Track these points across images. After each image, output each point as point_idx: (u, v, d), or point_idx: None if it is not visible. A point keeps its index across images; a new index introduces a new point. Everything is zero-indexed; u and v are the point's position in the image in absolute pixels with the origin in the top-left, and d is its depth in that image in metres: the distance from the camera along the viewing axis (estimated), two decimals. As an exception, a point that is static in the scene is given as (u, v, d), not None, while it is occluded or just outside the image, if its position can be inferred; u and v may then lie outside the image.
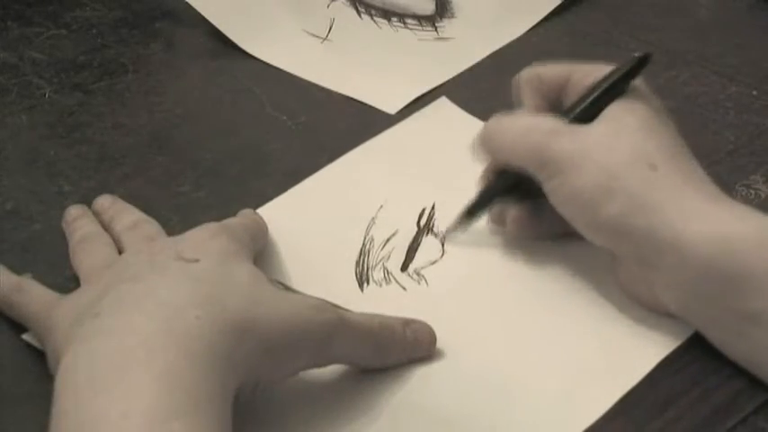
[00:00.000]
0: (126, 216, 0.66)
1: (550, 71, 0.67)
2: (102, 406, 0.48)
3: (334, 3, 0.90)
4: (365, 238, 0.68)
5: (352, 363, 0.58)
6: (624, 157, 0.61)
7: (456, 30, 0.88)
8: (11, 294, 0.62)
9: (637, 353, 0.60)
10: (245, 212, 0.67)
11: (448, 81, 0.81)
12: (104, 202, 0.69)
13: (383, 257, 0.67)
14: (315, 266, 0.66)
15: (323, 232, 0.69)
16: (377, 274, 0.66)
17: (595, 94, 0.64)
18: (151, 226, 0.65)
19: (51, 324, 0.57)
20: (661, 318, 0.61)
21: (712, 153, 0.74)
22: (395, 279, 0.66)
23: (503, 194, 0.67)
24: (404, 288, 0.65)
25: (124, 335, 0.51)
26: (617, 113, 0.63)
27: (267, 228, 0.67)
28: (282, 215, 0.69)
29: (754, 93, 0.80)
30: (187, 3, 0.86)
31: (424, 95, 0.80)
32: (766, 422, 0.57)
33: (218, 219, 0.68)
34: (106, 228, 0.66)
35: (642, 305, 0.62)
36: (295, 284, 0.64)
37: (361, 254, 0.67)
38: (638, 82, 0.65)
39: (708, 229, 0.58)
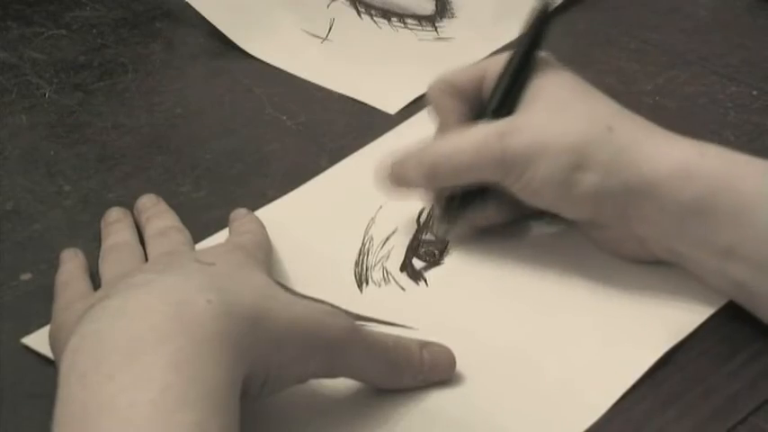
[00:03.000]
0: (159, 221, 0.66)
1: (463, 75, 0.67)
2: (110, 394, 0.47)
3: (334, 3, 0.90)
4: (365, 238, 0.68)
5: (364, 378, 0.57)
6: (581, 129, 0.61)
7: (456, 30, 0.88)
8: (59, 288, 0.62)
9: (638, 350, 0.60)
10: (240, 212, 0.67)
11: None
12: (147, 201, 0.68)
13: (382, 257, 0.67)
14: (314, 267, 0.66)
15: (323, 233, 0.69)
16: (376, 275, 0.66)
17: (511, 70, 0.64)
18: (180, 235, 0.65)
19: (61, 325, 0.57)
20: (662, 315, 0.62)
21: (712, 153, 0.74)
22: (394, 279, 0.66)
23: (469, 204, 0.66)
24: (403, 288, 0.65)
25: (134, 317, 0.50)
26: (549, 91, 0.64)
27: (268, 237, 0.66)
28: (283, 216, 0.69)
29: (754, 93, 0.80)
30: (187, 3, 0.86)
31: (423, 95, 0.80)
32: (766, 422, 0.57)
33: (219, 219, 0.68)
34: (142, 228, 0.66)
35: (632, 260, 0.64)
36: (295, 285, 0.64)
37: (360, 254, 0.67)
38: (544, 55, 0.65)
39: (675, 166, 0.60)
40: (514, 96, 0.64)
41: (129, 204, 0.70)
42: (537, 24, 0.65)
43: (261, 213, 0.69)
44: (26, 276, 0.65)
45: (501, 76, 0.65)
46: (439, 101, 0.67)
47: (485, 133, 0.63)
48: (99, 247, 0.66)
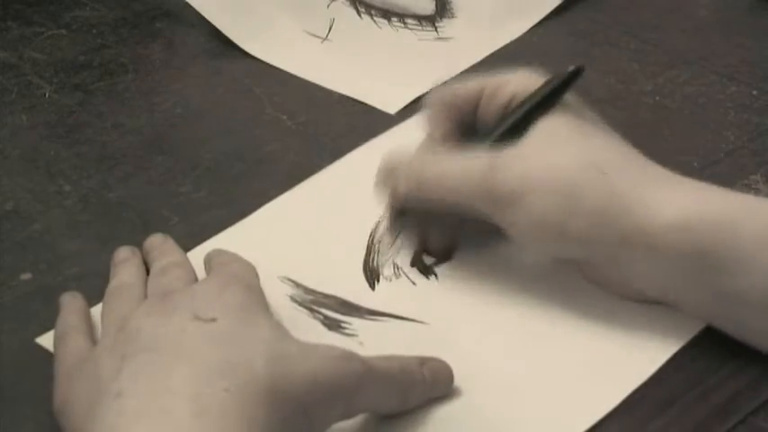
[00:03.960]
0: (162, 259, 0.63)
1: (465, 90, 0.65)
2: None
3: (334, 3, 0.90)
4: (375, 235, 0.68)
5: (376, 411, 0.57)
6: (571, 172, 0.59)
7: (456, 30, 0.88)
8: (57, 343, 0.59)
9: (641, 354, 0.60)
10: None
11: (448, 81, 0.81)
12: (155, 240, 0.66)
13: (393, 253, 0.67)
14: (325, 264, 0.66)
15: (333, 229, 0.69)
16: (386, 270, 0.66)
17: (525, 109, 0.62)
18: (180, 270, 0.62)
19: (69, 398, 0.54)
20: (664, 319, 0.61)
21: (712, 153, 0.74)
22: (404, 274, 0.66)
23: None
24: (413, 283, 0.65)
25: (152, 420, 0.49)
26: (550, 127, 0.61)
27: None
28: (291, 212, 0.70)
29: (754, 93, 0.80)
30: (187, 3, 0.86)
31: (424, 95, 0.80)
32: (766, 422, 0.57)
33: (219, 219, 0.68)
34: (150, 267, 0.64)
35: (620, 297, 0.62)
36: (306, 283, 0.64)
37: (370, 250, 0.67)
38: (568, 96, 0.63)
39: (673, 217, 0.58)
40: (519, 133, 0.62)
41: (128, 204, 0.70)
42: (566, 80, 0.62)
43: (262, 212, 0.69)
44: (26, 276, 0.65)
45: (512, 112, 0.63)
46: (437, 111, 0.65)
47: (475, 162, 0.61)
48: (99, 247, 0.66)
